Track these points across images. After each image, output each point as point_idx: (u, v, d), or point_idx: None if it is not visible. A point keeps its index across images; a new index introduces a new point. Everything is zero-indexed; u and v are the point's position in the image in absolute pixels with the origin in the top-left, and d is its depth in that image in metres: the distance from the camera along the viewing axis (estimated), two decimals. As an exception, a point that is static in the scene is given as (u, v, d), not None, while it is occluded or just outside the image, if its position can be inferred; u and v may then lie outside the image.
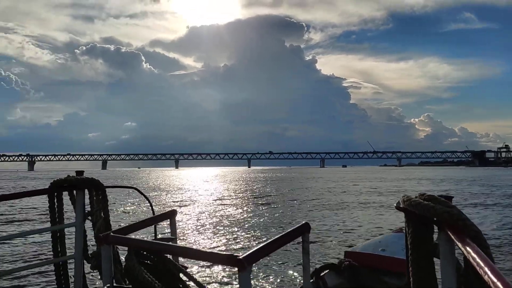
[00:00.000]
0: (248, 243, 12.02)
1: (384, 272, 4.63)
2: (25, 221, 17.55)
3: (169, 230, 3.58)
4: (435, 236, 1.89)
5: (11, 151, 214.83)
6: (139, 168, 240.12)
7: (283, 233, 2.33)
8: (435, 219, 1.80)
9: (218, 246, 11.60)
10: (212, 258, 2.29)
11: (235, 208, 21.77)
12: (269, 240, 2.18)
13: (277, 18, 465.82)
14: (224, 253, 2.09)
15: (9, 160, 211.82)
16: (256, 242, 11.80)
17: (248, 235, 13.43)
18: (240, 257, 1.87)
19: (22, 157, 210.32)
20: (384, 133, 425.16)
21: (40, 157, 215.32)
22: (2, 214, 19.40)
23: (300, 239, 2.47)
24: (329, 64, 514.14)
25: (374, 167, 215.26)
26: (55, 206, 3.79)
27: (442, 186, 42.76)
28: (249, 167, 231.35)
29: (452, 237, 1.66)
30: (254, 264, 1.95)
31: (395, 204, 2.09)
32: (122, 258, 3.22)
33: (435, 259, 1.92)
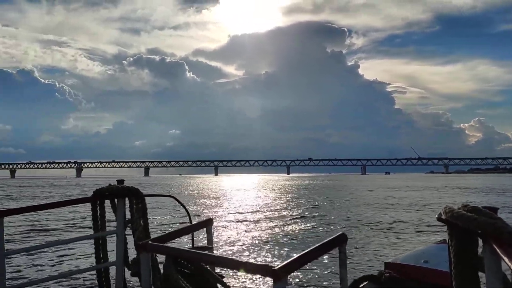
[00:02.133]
0: (284, 253, 11.91)
1: (426, 285, 4.43)
2: (70, 227, 18.38)
3: (205, 239, 3.62)
4: (479, 249, 1.79)
5: (63, 159, 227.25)
6: (180, 174, 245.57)
7: (319, 243, 2.29)
8: (479, 231, 1.71)
9: (254, 256, 11.56)
10: (247, 268, 2.28)
11: (271, 217, 21.63)
12: (305, 251, 2.15)
13: (318, 24, 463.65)
14: (259, 263, 2.08)
15: (58, 167, 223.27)
16: (292, 253, 11.69)
17: (284, 245, 13.30)
18: (275, 267, 1.85)
19: (71, 164, 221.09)
20: (431, 139, 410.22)
21: (87, 164, 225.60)
22: (48, 220, 20.42)
23: (337, 250, 2.42)
24: (372, 69, 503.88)
25: (420, 174, 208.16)
26: (98, 214, 3.94)
27: (490, 196, 40.52)
28: (288, 173, 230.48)
29: (498, 250, 1.57)
30: (289, 275, 1.93)
31: (436, 216, 2.00)
32: (161, 266, 3.28)
33: (480, 273, 1.81)
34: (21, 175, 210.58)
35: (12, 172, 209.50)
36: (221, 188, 64.57)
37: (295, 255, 2.09)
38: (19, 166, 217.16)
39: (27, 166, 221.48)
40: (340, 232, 2.47)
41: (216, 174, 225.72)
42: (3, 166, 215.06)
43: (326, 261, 9.51)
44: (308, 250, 2.17)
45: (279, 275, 1.82)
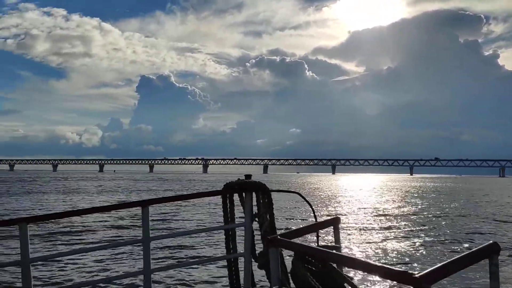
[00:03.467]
0: (418, 262, 11.07)
1: None
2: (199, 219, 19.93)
3: (329, 237, 3.54)
4: None
5: (192, 156, 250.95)
6: (298, 173, 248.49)
7: (467, 252, 2.05)
8: None
9: (386, 260, 10.99)
10: (382, 272, 2.13)
11: (398, 221, 20.45)
12: (450, 260, 1.95)
13: (448, 12, 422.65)
14: (397, 268, 1.92)
15: (188, 163, 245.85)
16: (429, 260, 10.81)
17: (417, 252, 12.38)
18: (417, 275, 1.69)
19: (198, 160, 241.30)
20: None
21: (212, 160, 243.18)
22: (183, 211, 22.46)
23: (487, 261, 2.13)
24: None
25: None
26: (227, 207, 4.16)
27: None
28: (411, 174, 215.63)
29: None
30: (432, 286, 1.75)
31: None
32: (286, 260, 3.31)
33: None
34: (158, 169, 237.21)
35: (151, 167, 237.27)
36: (340, 187, 63.44)
37: (439, 264, 1.89)
38: (156, 162, 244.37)
39: (163, 162, 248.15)
40: (492, 241, 2.17)
41: (334, 173, 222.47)
42: (143, 162, 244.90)
43: (473, 272, 8.55)
44: (454, 258, 1.97)
45: (421, 284, 1.65)
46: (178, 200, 4.64)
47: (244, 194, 4.09)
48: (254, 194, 4.07)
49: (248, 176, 4.20)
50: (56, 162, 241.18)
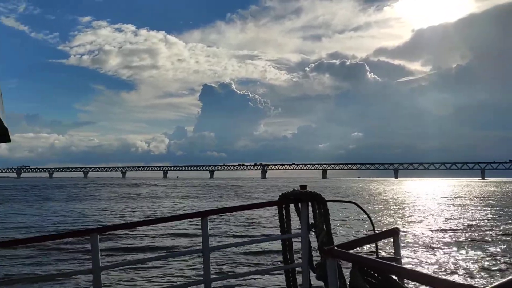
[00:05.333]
0: (487, 275, 10.34)
1: None
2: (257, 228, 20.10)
3: (388, 249, 3.45)
4: None
5: (252, 161, 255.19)
6: (359, 177, 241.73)
7: None
8: None
9: (451, 275, 10.36)
10: (446, 286, 2.02)
11: (469, 234, 18.97)
12: None
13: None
14: (463, 282, 1.83)
15: (247, 169, 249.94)
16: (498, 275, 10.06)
17: (489, 267, 11.53)
18: None
19: (257, 166, 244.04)
20: None
21: (271, 166, 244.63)
22: (243, 220, 22.76)
23: None
24: None
25: None
26: (284, 217, 4.20)
27: None
28: (482, 178, 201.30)
29: None
30: None
31: None
32: (344, 272, 3.27)
33: None
34: (218, 175, 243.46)
35: (211, 172, 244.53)
36: (402, 193, 60.79)
37: (507, 278, 1.78)
38: (216, 168, 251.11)
39: (222, 168, 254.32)
40: None
41: (396, 178, 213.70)
42: (204, 168, 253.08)
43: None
44: None
45: None
46: (235, 211, 4.76)
47: (300, 204, 4.10)
48: (310, 204, 4.07)
49: (303, 186, 4.21)
50: (125, 169, 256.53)
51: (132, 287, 9.28)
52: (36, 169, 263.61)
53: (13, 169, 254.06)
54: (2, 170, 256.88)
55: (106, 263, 4.37)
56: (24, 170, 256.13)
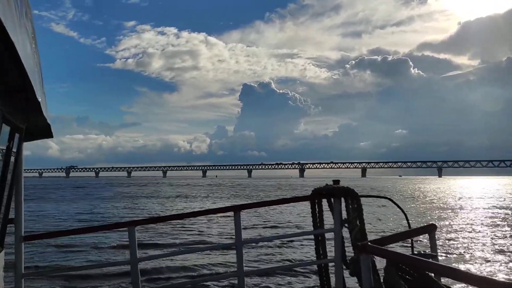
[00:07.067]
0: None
1: None
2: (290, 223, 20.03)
3: (423, 246, 3.37)
4: None
5: (292, 160, 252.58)
6: (400, 176, 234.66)
7: None
8: None
9: (490, 273, 9.91)
10: (485, 283, 1.94)
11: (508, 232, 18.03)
12: None
13: None
14: (502, 280, 1.77)
15: (284, 168, 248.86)
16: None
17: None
18: None
19: (295, 165, 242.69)
20: None
21: (309, 165, 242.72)
22: (275, 215, 22.77)
23: None
24: None
25: None
26: (316, 212, 4.19)
27: None
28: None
29: None
30: None
31: None
32: (378, 268, 3.23)
33: None
34: (255, 174, 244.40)
35: (249, 172, 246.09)
36: (448, 194, 58.47)
37: None
38: (254, 167, 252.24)
39: (259, 167, 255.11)
40: None
41: (440, 176, 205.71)
42: (242, 167, 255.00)
43: None
44: None
45: None
46: (268, 205, 4.80)
47: (332, 199, 4.08)
48: (343, 200, 4.04)
49: (336, 182, 4.20)
50: (166, 168, 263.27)
51: (168, 278, 9.61)
52: (84, 169, 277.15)
53: (62, 169, 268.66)
54: (53, 170, 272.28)
55: (143, 255, 4.54)
56: (73, 170, 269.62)
